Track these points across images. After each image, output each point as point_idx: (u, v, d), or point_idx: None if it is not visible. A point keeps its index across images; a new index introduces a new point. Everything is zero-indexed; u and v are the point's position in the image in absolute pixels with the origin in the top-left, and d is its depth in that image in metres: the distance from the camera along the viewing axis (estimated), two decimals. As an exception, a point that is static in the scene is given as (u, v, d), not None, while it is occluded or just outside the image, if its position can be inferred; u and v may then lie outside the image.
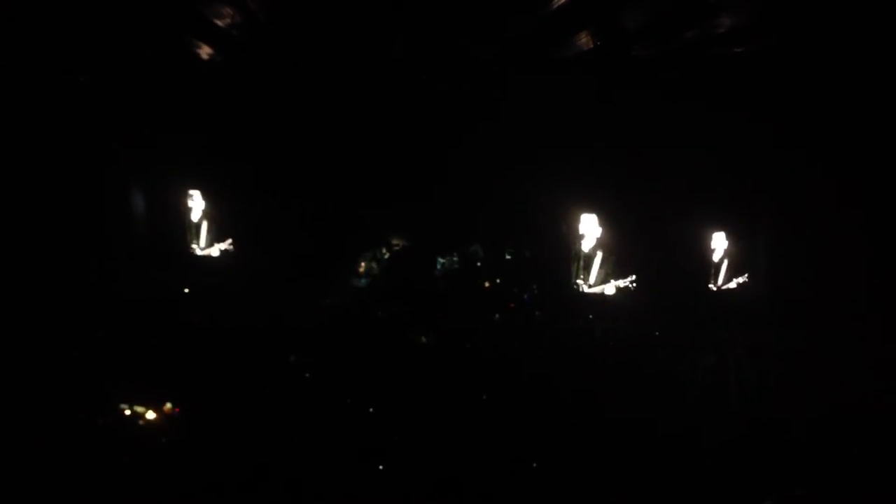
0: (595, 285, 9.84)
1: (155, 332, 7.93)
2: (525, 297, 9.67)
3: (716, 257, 9.60)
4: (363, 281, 10.19)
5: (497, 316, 9.26)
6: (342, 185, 10.09)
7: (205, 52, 9.24)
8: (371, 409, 6.59)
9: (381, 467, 5.79)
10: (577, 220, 9.77)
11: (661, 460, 5.73)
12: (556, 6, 7.12)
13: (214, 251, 10.88)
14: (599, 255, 9.80)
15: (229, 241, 10.89)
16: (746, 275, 9.58)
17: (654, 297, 9.40)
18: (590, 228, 9.79)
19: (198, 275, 10.21)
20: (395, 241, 10.32)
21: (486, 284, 9.90)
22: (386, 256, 10.26)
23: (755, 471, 5.83)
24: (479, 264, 10.10)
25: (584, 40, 8.16)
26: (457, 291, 9.64)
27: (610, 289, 9.73)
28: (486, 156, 9.32)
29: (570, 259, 9.84)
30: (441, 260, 10.27)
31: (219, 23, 8.11)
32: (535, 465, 5.55)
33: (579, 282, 9.78)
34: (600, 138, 9.16)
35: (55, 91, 9.58)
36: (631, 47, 8.31)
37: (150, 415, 6.34)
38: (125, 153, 10.31)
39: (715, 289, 9.61)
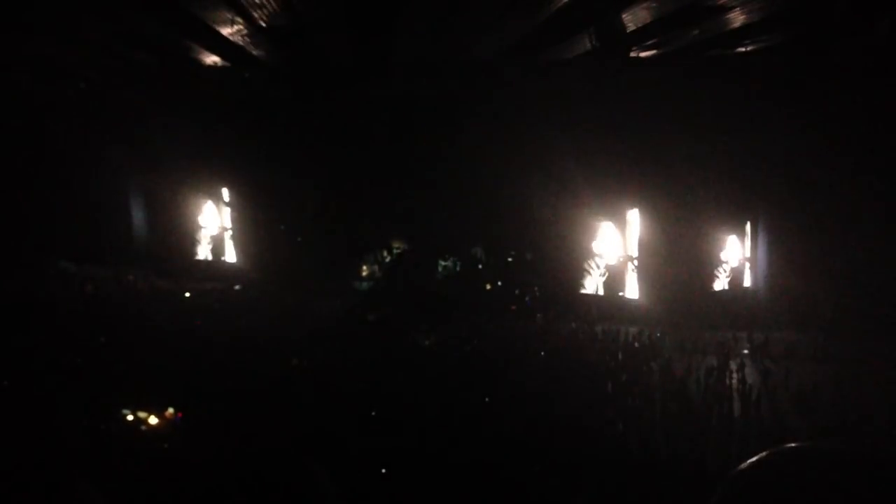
0: (598, 287, 9.85)
1: (157, 337, 7.94)
2: (526, 299, 9.66)
3: (719, 260, 9.59)
4: (364, 284, 10.21)
5: (498, 318, 9.26)
6: (343, 189, 10.11)
7: (210, 59, 9.29)
8: (373, 413, 6.59)
9: (383, 470, 5.78)
10: (579, 223, 9.77)
11: (660, 463, 5.71)
12: (555, 8, 7.13)
13: (216, 258, 10.92)
14: (601, 257, 9.81)
15: (231, 247, 10.93)
16: (750, 277, 9.58)
17: (656, 298, 9.39)
18: (592, 230, 9.80)
19: (200, 281, 10.25)
20: (396, 244, 10.33)
21: (488, 287, 9.91)
22: (387, 260, 10.27)
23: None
24: (480, 267, 10.11)
25: (585, 42, 8.16)
26: (458, 294, 9.64)
27: (612, 290, 9.73)
28: (487, 159, 9.32)
29: (572, 261, 9.84)
30: (443, 263, 10.28)
31: (223, 31, 8.15)
32: (536, 467, 5.53)
33: (581, 284, 9.78)
34: (603, 141, 9.16)
35: (61, 98, 9.66)
36: (631, 48, 8.31)
37: (153, 420, 6.33)
38: (128, 162, 10.37)
39: (719, 291, 9.60)
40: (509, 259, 10.24)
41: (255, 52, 8.90)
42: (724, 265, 9.59)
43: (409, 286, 9.74)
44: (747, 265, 9.64)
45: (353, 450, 5.42)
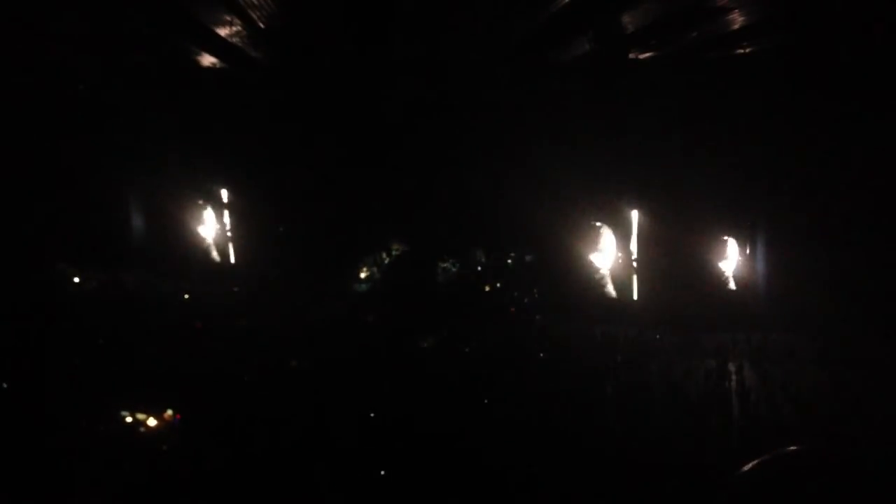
0: (597, 289, 9.84)
1: (156, 339, 7.93)
2: (526, 301, 9.65)
3: (719, 262, 9.59)
4: (363, 286, 10.18)
5: (498, 320, 9.25)
6: (342, 190, 10.09)
7: (206, 60, 9.30)
8: (372, 415, 6.58)
9: (382, 473, 5.77)
10: (578, 225, 9.77)
11: (659, 465, 5.71)
12: (555, 9, 7.15)
13: (216, 260, 10.91)
14: (601, 259, 9.81)
15: (230, 248, 10.92)
16: (750, 280, 9.57)
17: (656, 300, 9.40)
18: (591, 233, 9.80)
19: (198, 282, 10.24)
20: (395, 246, 10.31)
21: (487, 289, 9.89)
22: (386, 262, 10.25)
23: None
24: (479, 269, 10.09)
25: (583, 44, 8.18)
26: (457, 296, 9.63)
27: (612, 292, 9.73)
28: (487, 160, 9.33)
29: (571, 263, 9.83)
30: (442, 264, 10.26)
31: (221, 32, 8.16)
32: (534, 471, 5.53)
33: (581, 285, 9.77)
34: (602, 143, 9.17)
35: (68, 101, 9.69)
36: (629, 50, 8.33)
37: (151, 422, 6.32)
38: (126, 164, 10.37)
39: (718, 293, 9.60)
40: (508, 261, 10.24)
41: (253, 54, 8.91)
42: (723, 268, 9.60)
43: (409, 288, 9.74)
44: (747, 267, 9.63)
45: (353, 451, 5.43)
